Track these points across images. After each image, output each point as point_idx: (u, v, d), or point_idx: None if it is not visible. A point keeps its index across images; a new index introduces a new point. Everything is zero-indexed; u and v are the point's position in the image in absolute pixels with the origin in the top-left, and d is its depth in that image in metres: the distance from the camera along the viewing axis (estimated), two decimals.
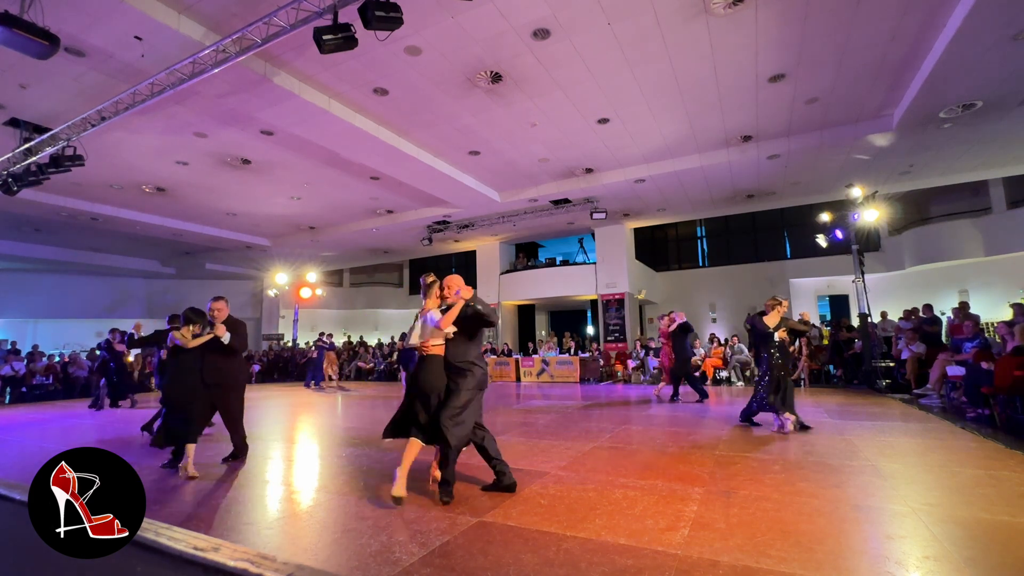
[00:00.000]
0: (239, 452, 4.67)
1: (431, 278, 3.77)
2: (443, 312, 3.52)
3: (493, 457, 3.50)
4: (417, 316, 3.78)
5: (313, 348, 13.76)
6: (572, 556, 2.38)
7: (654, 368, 12.44)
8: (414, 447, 3.38)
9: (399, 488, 3.19)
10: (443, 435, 3.27)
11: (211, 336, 4.41)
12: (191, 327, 4.49)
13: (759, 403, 5.69)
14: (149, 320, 15.52)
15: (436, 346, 3.53)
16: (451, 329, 3.47)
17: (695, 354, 8.66)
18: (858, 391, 9.62)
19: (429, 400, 3.45)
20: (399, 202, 13.29)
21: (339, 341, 19.75)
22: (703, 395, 8.32)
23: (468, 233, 15.24)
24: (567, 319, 18.57)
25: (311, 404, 9.64)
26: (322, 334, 13.63)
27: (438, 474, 3.48)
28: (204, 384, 4.43)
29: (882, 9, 6.11)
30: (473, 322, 3.49)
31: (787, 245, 15.75)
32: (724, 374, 12.09)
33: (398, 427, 3.54)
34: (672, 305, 16.46)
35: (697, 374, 12.08)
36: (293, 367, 17.10)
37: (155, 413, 6.10)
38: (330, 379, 13.66)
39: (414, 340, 3.69)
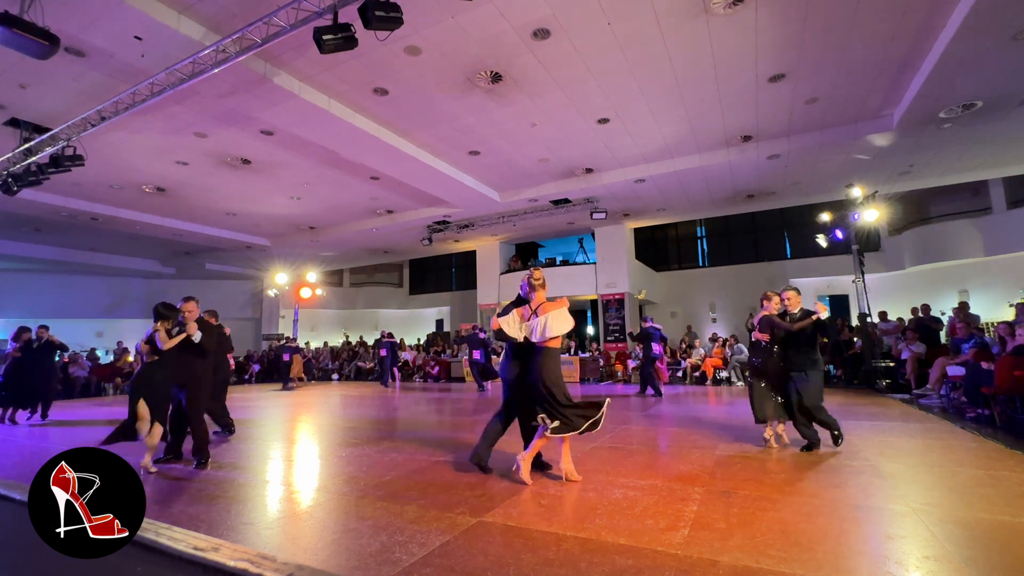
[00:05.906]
0: (201, 451, 4.45)
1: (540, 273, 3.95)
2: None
3: None
4: (517, 310, 3.85)
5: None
6: (572, 556, 2.37)
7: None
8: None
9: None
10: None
11: (183, 337, 4.40)
12: (164, 323, 4.40)
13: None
14: (149, 320, 15.49)
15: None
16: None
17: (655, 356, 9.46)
18: (858, 391, 9.62)
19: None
20: (399, 202, 13.28)
21: (338, 341, 19.81)
22: (658, 392, 9.37)
23: (468, 233, 15.23)
24: None
25: (309, 404, 9.64)
26: (288, 338, 14.94)
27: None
28: (177, 383, 4.44)
29: (882, 9, 6.11)
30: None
31: (787, 245, 15.74)
32: (724, 374, 12.11)
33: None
34: (672, 305, 16.50)
35: (697, 374, 12.29)
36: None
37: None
38: (299, 380, 14.49)
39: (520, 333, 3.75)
